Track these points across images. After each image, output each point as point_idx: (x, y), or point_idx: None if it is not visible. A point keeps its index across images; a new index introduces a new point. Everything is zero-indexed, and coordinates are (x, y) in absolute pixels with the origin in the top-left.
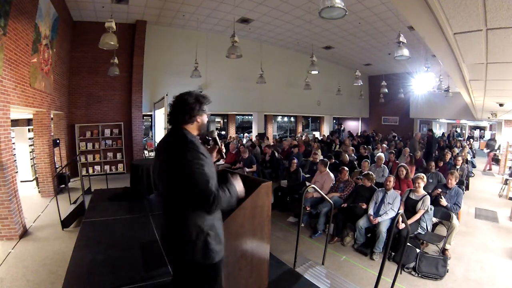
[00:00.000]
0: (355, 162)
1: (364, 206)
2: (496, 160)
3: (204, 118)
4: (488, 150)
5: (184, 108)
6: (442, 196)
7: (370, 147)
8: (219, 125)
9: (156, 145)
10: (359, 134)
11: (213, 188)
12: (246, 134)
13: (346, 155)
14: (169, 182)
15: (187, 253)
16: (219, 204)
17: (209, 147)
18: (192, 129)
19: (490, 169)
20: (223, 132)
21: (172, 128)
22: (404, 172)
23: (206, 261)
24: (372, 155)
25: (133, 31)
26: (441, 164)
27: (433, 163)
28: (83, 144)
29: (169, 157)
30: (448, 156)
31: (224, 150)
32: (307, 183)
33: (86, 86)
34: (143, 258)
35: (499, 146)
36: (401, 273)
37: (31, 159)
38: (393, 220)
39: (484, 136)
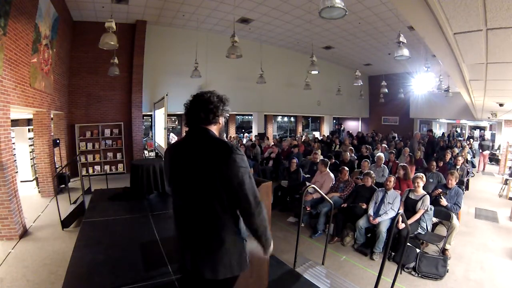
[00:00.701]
0: (355, 162)
1: (364, 206)
2: (496, 160)
3: (223, 121)
4: (487, 152)
5: (207, 107)
6: (442, 196)
7: (370, 147)
8: None
9: (171, 146)
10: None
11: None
12: (246, 134)
13: (347, 153)
14: (207, 186)
15: (223, 262)
16: (261, 215)
17: None
18: (215, 131)
19: (483, 170)
20: None
21: (194, 129)
22: (404, 172)
23: (237, 272)
24: (372, 155)
25: (133, 31)
26: (441, 164)
27: (434, 163)
28: (83, 144)
29: (210, 160)
30: (448, 156)
31: None
32: (307, 183)
33: (86, 86)
34: (143, 258)
35: (499, 146)
36: (401, 273)
37: (31, 159)
38: (393, 220)
39: (483, 137)
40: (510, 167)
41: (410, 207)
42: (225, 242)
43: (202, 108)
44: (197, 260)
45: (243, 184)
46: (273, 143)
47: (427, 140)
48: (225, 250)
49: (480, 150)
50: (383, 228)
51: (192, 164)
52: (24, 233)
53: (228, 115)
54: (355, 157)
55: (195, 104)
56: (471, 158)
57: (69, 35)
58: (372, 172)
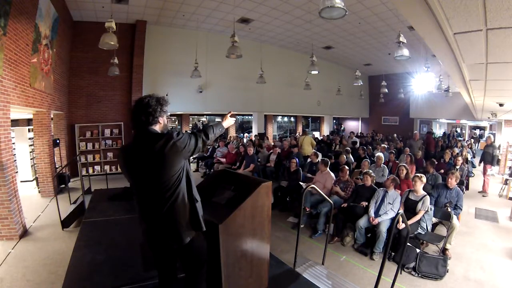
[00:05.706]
0: (352, 164)
1: (365, 204)
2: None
3: (165, 120)
4: (492, 165)
5: (146, 110)
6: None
7: (370, 147)
8: None
9: (121, 150)
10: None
11: (194, 140)
12: (246, 134)
13: (344, 156)
14: (163, 170)
15: (183, 226)
16: (207, 137)
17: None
18: (157, 130)
19: (485, 191)
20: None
21: (139, 131)
22: (404, 171)
23: (198, 229)
24: (372, 155)
25: (133, 31)
26: (436, 162)
27: (434, 164)
28: (83, 144)
29: (157, 152)
30: (448, 156)
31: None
32: (304, 185)
33: (86, 86)
34: (143, 258)
35: (499, 146)
36: (401, 273)
37: (31, 159)
38: (393, 220)
39: (483, 136)
40: (510, 167)
41: (410, 207)
42: (178, 207)
43: (142, 112)
44: (162, 227)
45: (189, 145)
46: (273, 143)
47: (426, 141)
48: (179, 214)
49: (480, 163)
50: (383, 228)
51: (145, 159)
52: (24, 233)
53: (169, 114)
54: (352, 160)
55: (136, 108)
56: (471, 158)
57: (69, 35)
58: (371, 171)
